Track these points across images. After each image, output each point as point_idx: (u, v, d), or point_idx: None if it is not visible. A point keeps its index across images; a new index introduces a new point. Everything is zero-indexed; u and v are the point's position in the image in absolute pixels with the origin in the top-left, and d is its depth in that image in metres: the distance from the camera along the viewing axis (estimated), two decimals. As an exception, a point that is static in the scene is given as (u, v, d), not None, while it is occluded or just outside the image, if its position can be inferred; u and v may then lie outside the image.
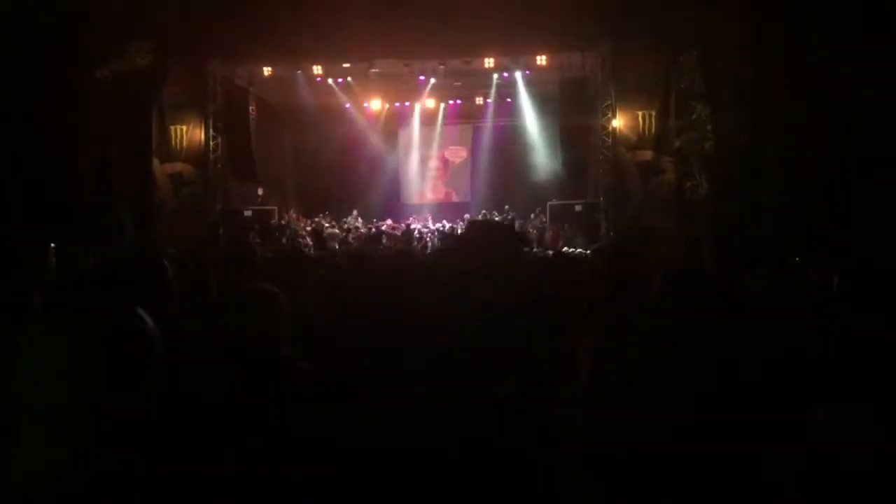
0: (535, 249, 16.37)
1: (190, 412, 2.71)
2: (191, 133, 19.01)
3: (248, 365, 2.97)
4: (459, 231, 19.71)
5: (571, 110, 18.58)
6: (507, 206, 21.25)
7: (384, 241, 19.19)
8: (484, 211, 21.63)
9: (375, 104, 22.74)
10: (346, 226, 21.24)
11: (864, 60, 12.62)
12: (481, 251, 2.15)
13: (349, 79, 20.73)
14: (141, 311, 1.35)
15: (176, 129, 18.93)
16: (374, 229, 20.56)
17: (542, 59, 18.68)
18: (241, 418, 2.72)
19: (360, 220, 21.90)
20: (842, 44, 12.88)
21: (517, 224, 19.55)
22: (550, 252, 14.67)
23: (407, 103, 23.17)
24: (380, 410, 1.99)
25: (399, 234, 19.90)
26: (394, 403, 1.97)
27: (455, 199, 24.78)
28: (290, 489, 2.74)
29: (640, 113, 17.91)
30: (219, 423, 2.69)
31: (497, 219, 19.59)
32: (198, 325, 3.19)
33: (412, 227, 20.85)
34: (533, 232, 19.43)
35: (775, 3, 14.03)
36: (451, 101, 23.25)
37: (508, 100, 22.67)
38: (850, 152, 12.87)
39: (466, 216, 21.02)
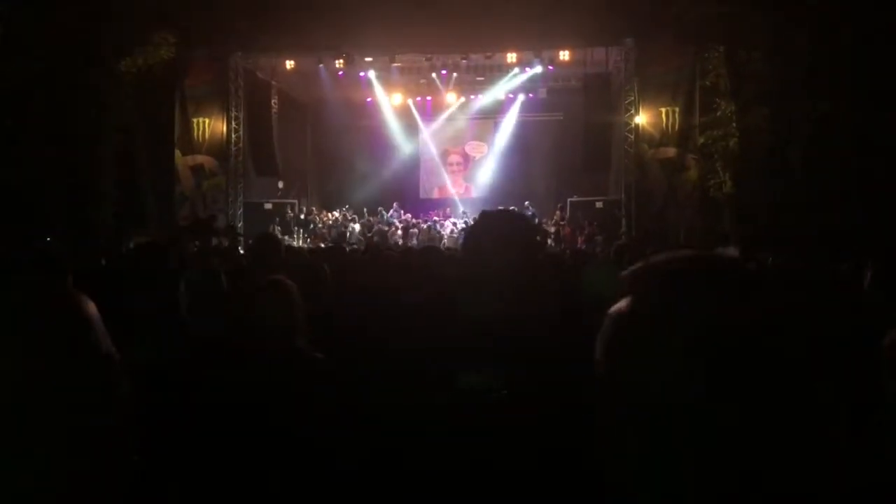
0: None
1: (203, 404, 2.69)
2: (213, 126, 19.10)
3: (262, 355, 2.94)
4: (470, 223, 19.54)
5: (595, 106, 18.46)
6: (527, 203, 21.02)
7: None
8: (514, 208, 21.36)
9: (397, 98, 22.70)
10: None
11: (889, 57, 12.43)
12: (497, 249, 2.02)
13: (371, 73, 20.73)
14: (75, 290, 1.32)
15: (198, 122, 19.03)
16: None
17: (565, 55, 18.53)
18: (254, 409, 2.69)
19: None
20: (866, 41, 12.68)
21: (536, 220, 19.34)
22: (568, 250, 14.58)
23: (428, 98, 23.09)
24: (392, 402, 1.94)
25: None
26: (407, 395, 1.91)
27: (475, 194, 24.66)
28: (301, 478, 2.71)
29: (663, 109, 17.72)
30: (231, 414, 2.67)
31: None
32: (207, 319, 3.18)
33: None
34: (551, 229, 19.23)
35: (801, 1, 13.83)
36: (472, 96, 23.12)
37: (531, 95, 22.55)
38: (875, 149, 12.69)
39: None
